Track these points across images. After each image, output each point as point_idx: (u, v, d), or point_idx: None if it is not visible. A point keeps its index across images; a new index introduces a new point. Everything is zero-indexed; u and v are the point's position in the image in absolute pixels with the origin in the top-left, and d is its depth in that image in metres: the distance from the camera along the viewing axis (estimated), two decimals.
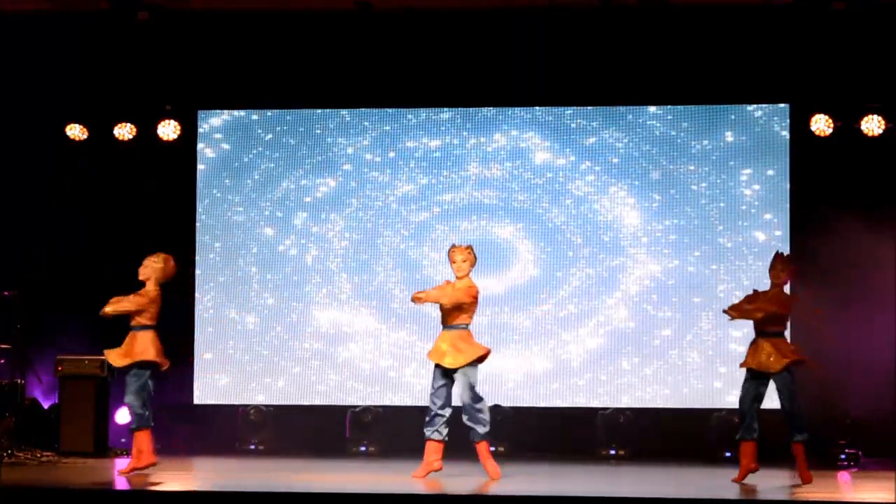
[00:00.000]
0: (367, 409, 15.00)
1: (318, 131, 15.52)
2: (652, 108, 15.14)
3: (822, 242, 14.67)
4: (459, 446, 14.66)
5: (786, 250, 14.81)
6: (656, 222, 15.11)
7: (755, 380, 11.81)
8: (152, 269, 12.20)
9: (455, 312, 11.90)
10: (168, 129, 15.25)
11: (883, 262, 14.52)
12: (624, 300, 15.10)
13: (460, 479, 11.73)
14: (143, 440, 12.10)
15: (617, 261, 15.13)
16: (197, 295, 15.47)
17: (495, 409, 14.82)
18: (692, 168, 15.09)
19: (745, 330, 12.72)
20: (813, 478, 11.61)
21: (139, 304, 12.07)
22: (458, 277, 11.95)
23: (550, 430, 14.86)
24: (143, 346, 12.04)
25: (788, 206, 14.91)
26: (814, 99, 14.65)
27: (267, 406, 15.19)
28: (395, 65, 15.20)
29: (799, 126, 14.74)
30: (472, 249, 12.00)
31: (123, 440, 14.79)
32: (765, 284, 12.17)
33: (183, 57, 15.28)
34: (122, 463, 13.33)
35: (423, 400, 15.04)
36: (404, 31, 15.04)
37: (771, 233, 14.93)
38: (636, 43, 14.83)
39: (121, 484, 11.54)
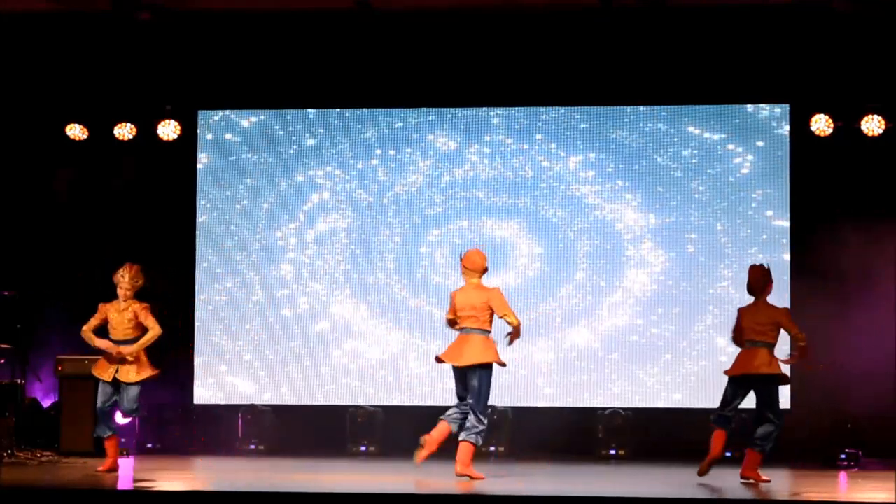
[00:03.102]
0: (366, 408, 15.00)
1: (318, 131, 15.53)
2: (652, 108, 15.13)
3: (822, 242, 14.67)
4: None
5: (786, 250, 14.82)
6: (657, 221, 15.10)
7: None
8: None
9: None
10: (168, 129, 15.24)
11: (883, 262, 14.52)
12: (624, 299, 15.10)
13: (456, 479, 11.73)
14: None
15: (617, 260, 15.13)
16: (197, 294, 15.47)
17: (492, 409, 14.82)
18: (693, 167, 15.09)
19: None
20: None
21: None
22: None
23: (550, 430, 14.84)
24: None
25: (788, 205, 14.91)
26: (814, 99, 14.64)
27: (267, 406, 15.20)
28: (396, 65, 15.19)
29: (799, 126, 14.74)
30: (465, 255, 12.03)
31: (123, 440, 14.79)
32: None
33: (183, 57, 15.28)
34: (122, 463, 13.33)
35: (423, 400, 15.11)
36: (404, 30, 15.03)
37: (771, 232, 14.93)
38: (636, 43, 14.83)
39: (121, 484, 11.54)
